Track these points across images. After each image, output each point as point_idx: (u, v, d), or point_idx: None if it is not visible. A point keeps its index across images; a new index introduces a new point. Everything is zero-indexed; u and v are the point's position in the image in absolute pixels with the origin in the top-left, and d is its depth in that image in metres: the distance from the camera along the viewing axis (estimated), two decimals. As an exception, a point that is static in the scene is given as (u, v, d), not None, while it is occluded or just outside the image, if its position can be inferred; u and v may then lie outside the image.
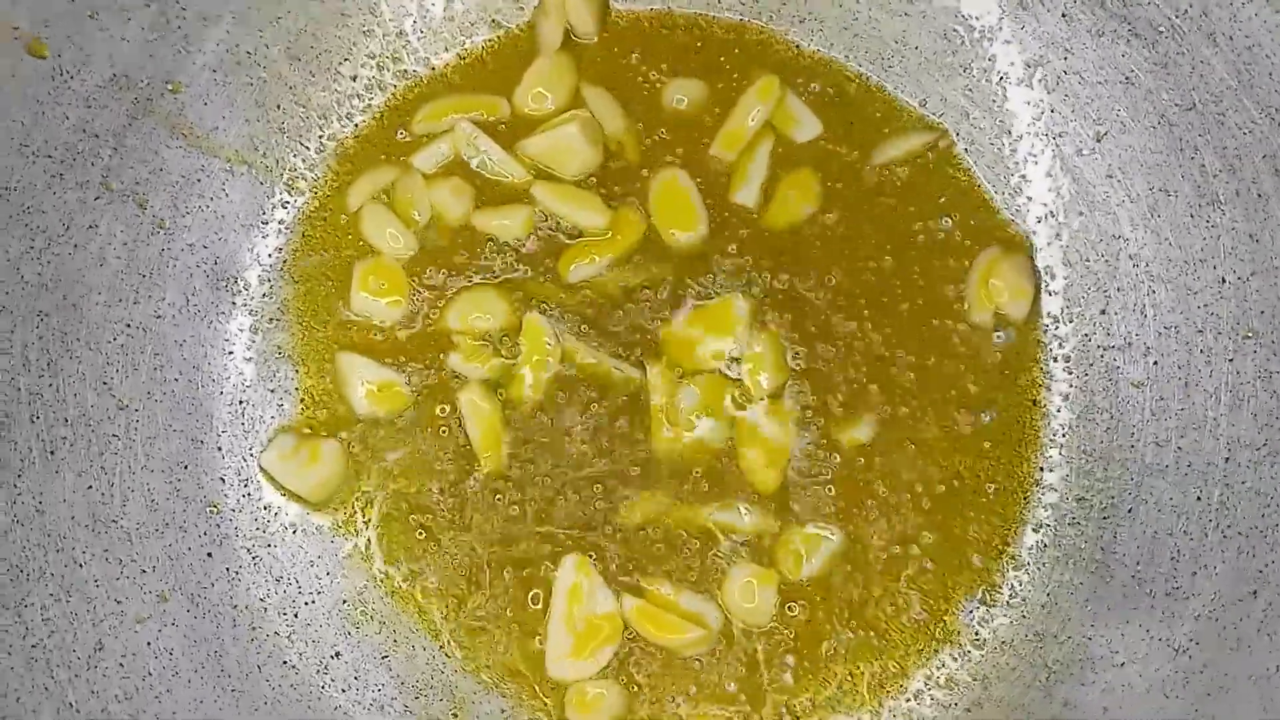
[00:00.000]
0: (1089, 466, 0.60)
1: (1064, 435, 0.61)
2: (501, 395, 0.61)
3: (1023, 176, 0.63)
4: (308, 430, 0.62)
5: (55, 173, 0.55)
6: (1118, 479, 0.59)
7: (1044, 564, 0.60)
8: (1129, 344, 0.60)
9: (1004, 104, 0.63)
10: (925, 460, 0.61)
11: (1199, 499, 0.56)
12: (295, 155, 0.64)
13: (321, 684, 0.60)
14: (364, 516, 0.61)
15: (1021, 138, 0.63)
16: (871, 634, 0.60)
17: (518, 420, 0.61)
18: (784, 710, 0.59)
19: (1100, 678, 0.56)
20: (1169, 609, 0.55)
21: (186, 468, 0.60)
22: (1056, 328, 0.62)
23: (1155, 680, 0.54)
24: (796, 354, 0.61)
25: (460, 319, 0.62)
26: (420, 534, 0.61)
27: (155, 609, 0.56)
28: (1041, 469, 0.61)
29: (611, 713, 0.59)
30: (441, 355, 0.62)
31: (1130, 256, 0.60)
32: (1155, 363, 0.59)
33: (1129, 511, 0.58)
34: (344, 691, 0.60)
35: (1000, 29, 0.62)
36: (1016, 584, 0.60)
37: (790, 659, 0.59)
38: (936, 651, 0.60)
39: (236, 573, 0.60)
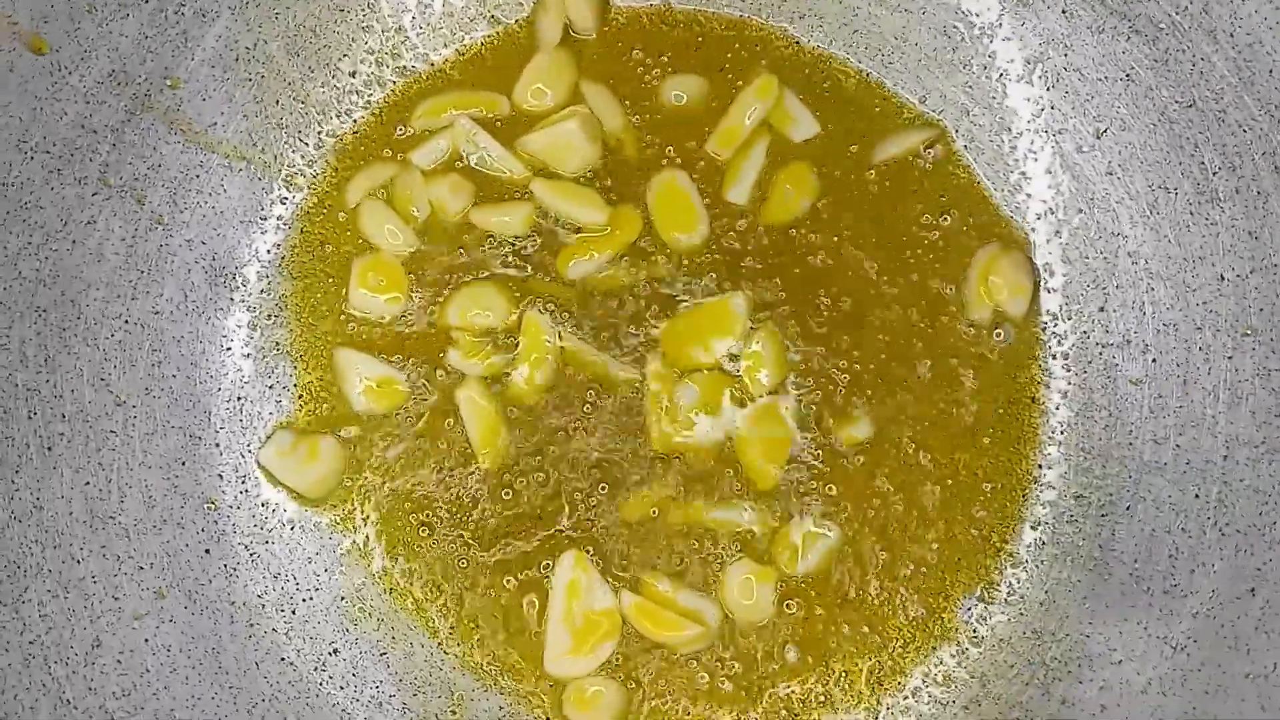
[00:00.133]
0: (1087, 464, 0.60)
1: (1062, 433, 0.61)
2: (500, 392, 0.61)
3: (1022, 173, 0.63)
4: (306, 427, 0.62)
5: (53, 168, 0.55)
6: (1116, 476, 0.59)
7: (1042, 562, 0.60)
8: (1128, 341, 0.60)
9: (1004, 101, 0.63)
10: (923, 457, 0.61)
11: (1197, 497, 0.56)
12: (294, 151, 0.64)
13: (319, 681, 0.60)
14: (362, 513, 0.61)
15: (1021, 134, 0.63)
16: (869, 631, 0.60)
17: (516, 417, 0.61)
18: (782, 707, 0.59)
19: (1098, 675, 0.56)
20: (1167, 607, 0.55)
21: (184, 464, 0.60)
22: (1055, 325, 0.62)
23: (1153, 678, 0.54)
24: (795, 351, 0.61)
25: (459, 315, 0.62)
26: (418, 531, 0.61)
27: (153, 605, 0.56)
28: (1040, 466, 0.61)
29: (610, 710, 0.59)
30: (440, 352, 0.62)
31: (1129, 254, 0.60)
32: (1154, 360, 0.59)
33: (1127, 509, 0.58)
34: (342, 689, 0.60)
35: (1000, 25, 0.62)
36: (1014, 581, 0.60)
37: (788, 656, 0.59)
38: (934, 649, 0.60)
39: (234, 569, 0.60)
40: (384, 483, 0.61)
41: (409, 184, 0.63)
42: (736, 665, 0.59)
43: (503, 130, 0.63)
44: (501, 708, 0.60)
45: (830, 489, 0.60)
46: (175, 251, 0.60)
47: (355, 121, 0.65)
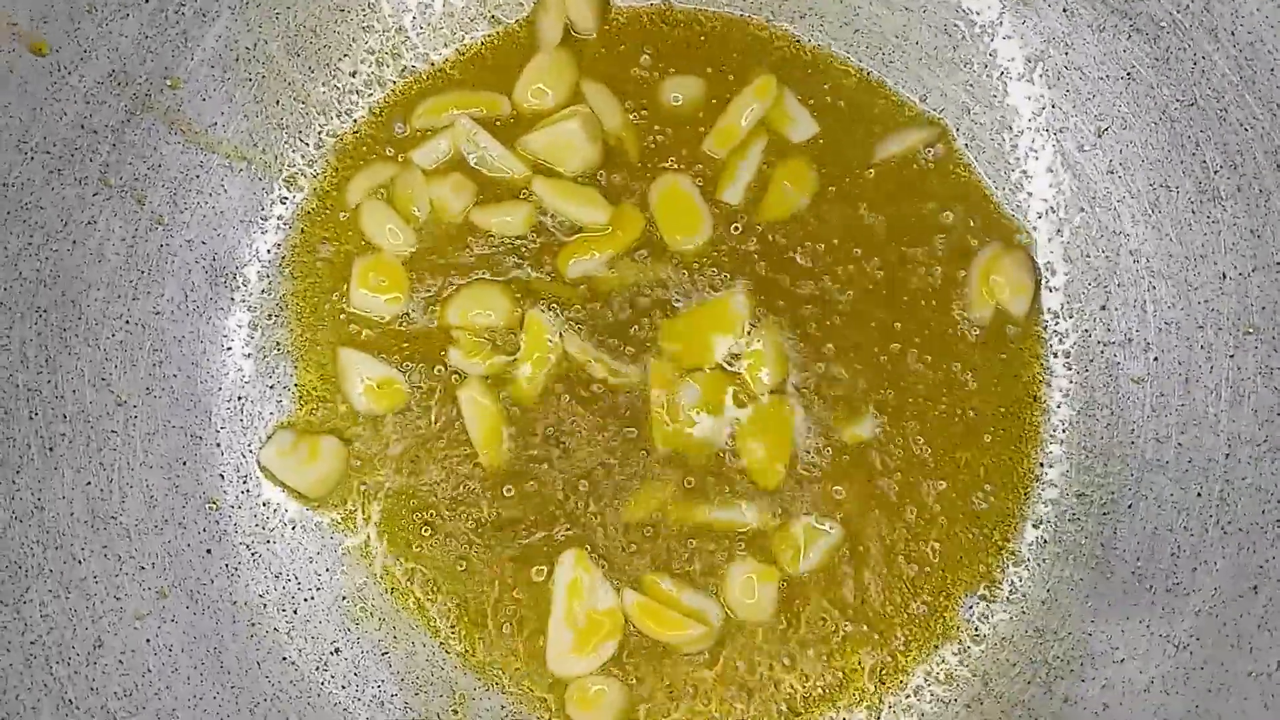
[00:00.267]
0: (1089, 462, 0.60)
1: (1064, 431, 0.61)
2: (501, 391, 0.61)
3: (1023, 172, 0.63)
4: (307, 426, 0.62)
5: (53, 169, 0.55)
6: (1118, 475, 0.59)
7: (1044, 560, 0.60)
8: (1129, 340, 0.60)
9: (1005, 99, 0.63)
10: (925, 456, 0.61)
11: (1199, 495, 0.56)
12: (294, 151, 0.64)
13: (321, 680, 0.60)
14: (363, 513, 0.61)
15: (1022, 133, 0.63)
16: (871, 630, 0.60)
17: (518, 416, 0.61)
18: (784, 706, 0.59)
19: (1100, 674, 0.56)
20: (1169, 605, 0.55)
21: (185, 464, 0.60)
22: (1057, 323, 0.62)
23: (1156, 676, 0.54)
24: (797, 350, 0.61)
25: (460, 315, 0.62)
26: (420, 530, 0.61)
27: (154, 605, 0.56)
28: (1041, 465, 0.61)
29: (612, 709, 0.59)
30: (441, 352, 0.62)
31: (1131, 252, 0.60)
32: (1155, 358, 0.59)
33: (1129, 507, 0.58)
34: (344, 688, 0.60)
35: (1001, 24, 0.62)
36: (1016, 580, 0.60)
37: (790, 655, 0.59)
38: (937, 647, 0.60)
39: (236, 569, 0.60)
40: (385, 482, 0.61)
41: (410, 184, 0.63)
42: (739, 664, 0.59)
43: (503, 130, 0.63)
44: (503, 707, 0.60)
45: (832, 488, 0.60)
46: (176, 251, 0.60)
47: (356, 121, 0.64)
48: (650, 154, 0.63)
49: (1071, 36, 0.60)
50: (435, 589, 0.60)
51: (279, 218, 0.63)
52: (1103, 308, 0.61)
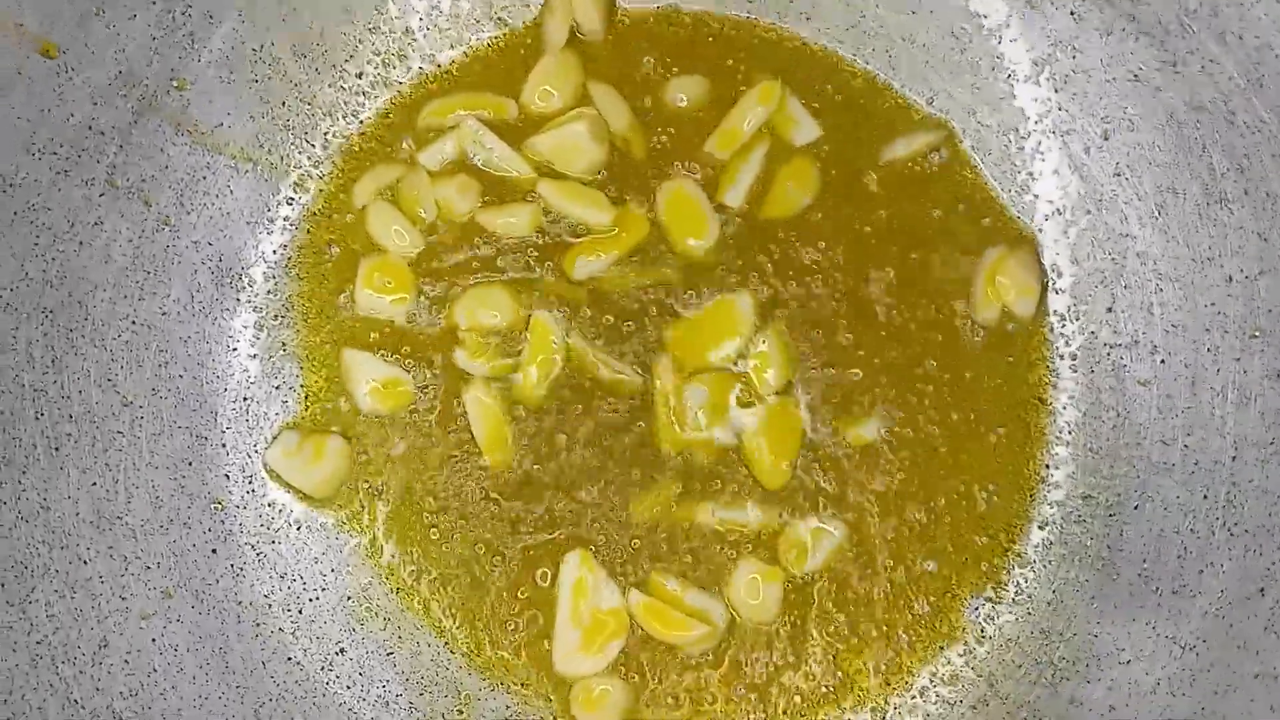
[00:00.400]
0: (1095, 464, 0.60)
1: (1070, 433, 0.61)
2: (507, 392, 0.61)
3: (1030, 174, 0.63)
4: (312, 427, 0.62)
5: (60, 170, 0.55)
6: (1124, 477, 0.59)
7: (1050, 561, 0.60)
8: (1136, 342, 0.60)
9: (1011, 101, 0.63)
10: (931, 457, 0.61)
11: (1205, 497, 0.56)
12: (300, 152, 0.64)
13: (326, 680, 0.60)
14: (368, 513, 0.61)
15: (1029, 135, 0.63)
16: (876, 631, 0.60)
17: (523, 417, 0.61)
18: (789, 706, 0.59)
19: (1106, 675, 0.56)
20: (1175, 607, 0.55)
21: (191, 464, 0.60)
22: (1063, 325, 0.62)
23: (1162, 678, 0.54)
24: (802, 351, 0.61)
25: (466, 316, 0.62)
26: (425, 530, 0.61)
27: (160, 605, 0.56)
28: (1047, 466, 0.61)
29: (617, 709, 0.59)
30: (447, 353, 0.62)
31: (1138, 255, 0.60)
32: (1162, 361, 0.59)
33: (1135, 509, 0.58)
34: (349, 688, 0.60)
35: (1008, 26, 0.62)
36: (1022, 581, 0.60)
37: (795, 655, 0.59)
38: (942, 648, 0.60)
39: (241, 569, 0.60)
40: (390, 483, 0.61)
41: (416, 185, 0.63)
42: (743, 665, 0.59)
43: (510, 131, 0.63)
44: (508, 707, 0.60)
45: (837, 489, 0.60)
46: (182, 252, 0.60)
47: (362, 122, 0.64)
48: (656, 155, 0.63)
49: (1079, 39, 0.60)
50: (440, 589, 0.60)
51: (285, 219, 0.63)
52: (1109, 310, 0.61)
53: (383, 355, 0.62)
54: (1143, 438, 0.59)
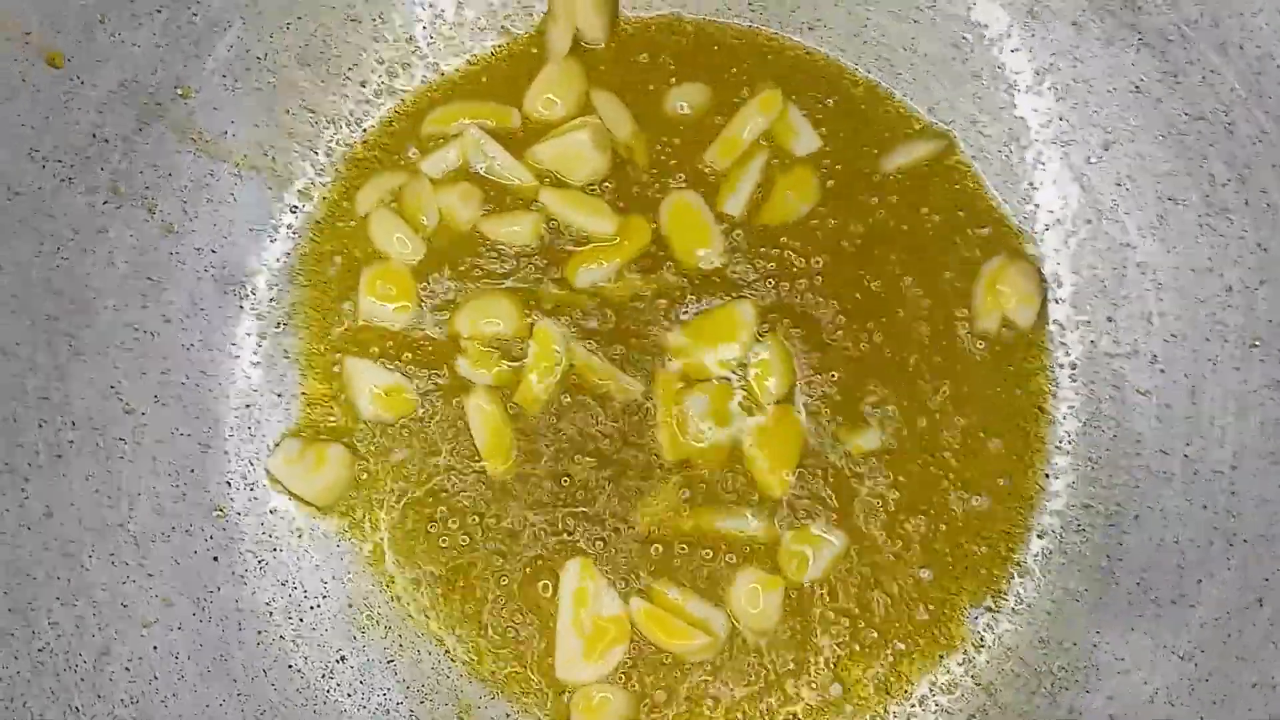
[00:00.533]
0: (1095, 474, 0.60)
1: (1070, 442, 0.61)
2: (509, 400, 0.61)
3: (1031, 184, 0.63)
4: (314, 434, 0.62)
5: (65, 177, 0.55)
6: (1123, 486, 0.59)
7: (1049, 571, 0.60)
8: (1136, 351, 0.60)
9: (1012, 111, 0.63)
10: (931, 466, 0.61)
11: (1205, 507, 0.56)
12: (304, 160, 0.64)
13: (327, 688, 0.60)
14: (370, 521, 0.61)
15: (1030, 145, 0.63)
16: (876, 639, 0.60)
17: (525, 425, 0.61)
18: (789, 715, 0.59)
19: (1105, 685, 0.56)
20: (1175, 617, 0.55)
21: (193, 472, 0.60)
22: (1063, 335, 0.62)
23: (1161, 688, 0.54)
24: (803, 359, 0.62)
25: (469, 324, 0.62)
26: (426, 538, 0.61)
27: (162, 613, 0.56)
28: (1047, 476, 0.61)
29: (617, 717, 0.59)
30: (449, 360, 0.62)
31: (1138, 264, 0.60)
32: (1162, 370, 0.59)
33: (1135, 519, 0.59)
34: (349, 696, 0.60)
35: (1009, 36, 0.62)
36: (1022, 590, 0.60)
37: (795, 664, 0.59)
38: (941, 657, 0.60)
39: (243, 577, 0.60)
40: (392, 490, 0.61)
41: (418, 193, 0.63)
42: (744, 674, 0.59)
43: (513, 140, 0.64)
44: (509, 715, 0.60)
45: (838, 497, 0.60)
46: (185, 260, 0.60)
47: (365, 130, 0.65)
48: (659, 164, 0.64)
49: (1080, 49, 0.60)
50: (441, 597, 0.60)
51: (288, 226, 0.64)
52: (1109, 319, 0.61)
53: (385, 363, 0.62)
54: (1142, 447, 0.59)
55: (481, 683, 0.60)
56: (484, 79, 0.65)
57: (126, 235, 0.58)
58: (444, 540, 0.61)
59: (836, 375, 0.61)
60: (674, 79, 0.64)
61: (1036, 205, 0.63)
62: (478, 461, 0.61)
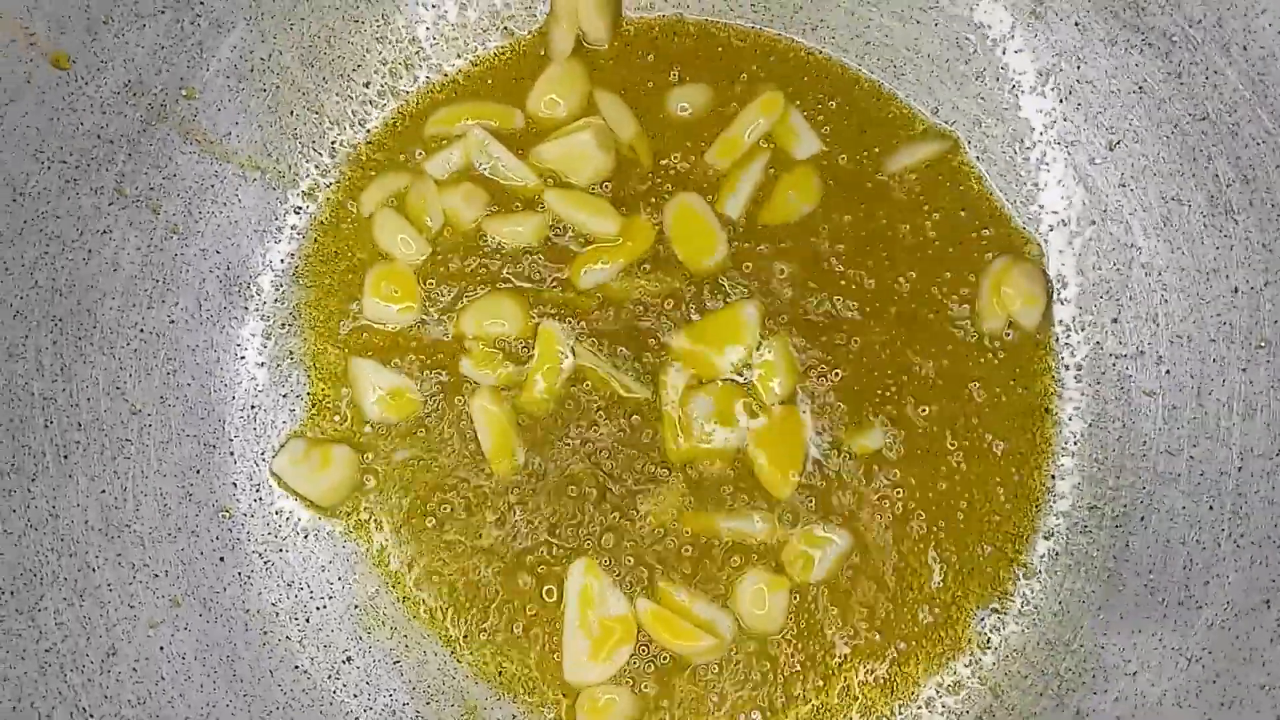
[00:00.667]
0: (1101, 475, 0.60)
1: (1075, 443, 0.61)
2: (513, 401, 0.61)
3: (1035, 184, 0.63)
4: (319, 435, 0.62)
5: (69, 178, 0.55)
6: (1130, 487, 0.59)
7: (1056, 572, 0.60)
8: (1141, 352, 0.60)
9: (1016, 112, 0.63)
10: (936, 467, 0.61)
11: (1211, 508, 0.56)
12: (308, 161, 0.64)
13: (333, 689, 0.60)
14: (375, 521, 0.61)
15: (1034, 146, 0.63)
16: (882, 640, 0.60)
17: (529, 426, 0.61)
18: (795, 716, 0.59)
19: (1112, 687, 0.56)
20: (1181, 618, 0.55)
21: (199, 472, 0.60)
22: (1068, 336, 0.62)
23: (1168, 690, 0.54)
24: (807, 360, 0.61)
25: (473, 325, 0.62)
26: (432, 538, 0.61)
27: (168, 613, 0.56)
28: (1053, 477, 0.61)
29: (623, 718, 0.59)
30: (454, 361, 0.62)
31: (1143, 265, 0.60)
32: (1167, 371, 0.59)
33: (1141, 520, 0.58)
34: (355, 696, 0.60)
35: (1013, 37, 0.62)
36: (1028, 592, 0.60)
37: (801, 665, 0.59)
38: (948, 659, 0.60)
39: (248, 577, 0.60)
40: (397, 491, 0.61)
41: (422, 193, 0.63)
42: (750, 674, 0.59)
43: (516, 140, 0.64)
44: (515, 716, 0.60)
45: (842, 498, 0.60)
46: (190, 261, 0.60)
47: (369, 131, 0.65)
48: (663, 165, 0.64)
49: (1083, 50, 0.60)
50: (447, 597, 0.60)
51: (292, 227, 0.64)
52: (1114, 320, 0.61)
53: (390, 364, 0.62)
54: (1148, 448, 0.59)
55: (487, 683, 0.60)
56: (487, 80, 0.65)
57: (131, 236, 0.58)
58: (449, 540, 0.61)
59: (840, 375, 0.61)
60: (676, 80, 0.64)
61: (1041, 206, 0.63)
62: (482, 462, 0.61)
